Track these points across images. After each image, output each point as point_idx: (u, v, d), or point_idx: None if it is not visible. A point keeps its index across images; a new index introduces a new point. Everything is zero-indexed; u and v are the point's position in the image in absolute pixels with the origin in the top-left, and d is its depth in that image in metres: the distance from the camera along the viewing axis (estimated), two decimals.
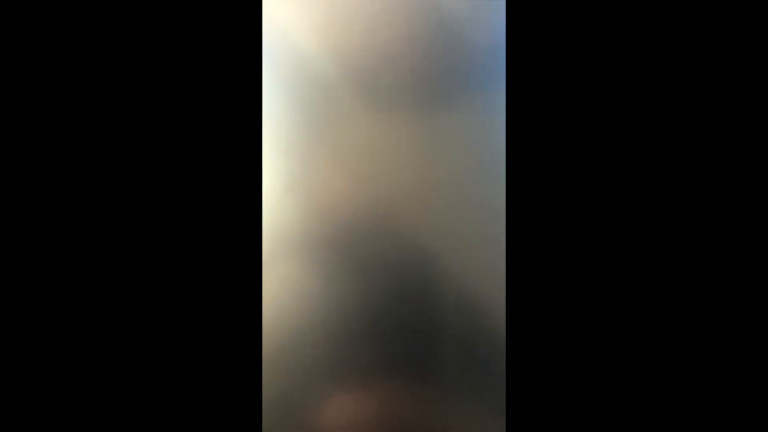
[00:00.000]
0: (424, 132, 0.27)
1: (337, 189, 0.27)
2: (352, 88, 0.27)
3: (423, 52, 0.27)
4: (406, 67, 0.27)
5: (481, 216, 0.26)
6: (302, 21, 0.28)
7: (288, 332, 0.26)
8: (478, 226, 0.26)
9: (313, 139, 0.27)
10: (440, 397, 0.25)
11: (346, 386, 0.25)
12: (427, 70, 0.27)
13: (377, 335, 0.26)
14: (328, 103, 0.27)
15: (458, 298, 0.26)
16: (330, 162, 0.27)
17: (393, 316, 0.26)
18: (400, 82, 0.27)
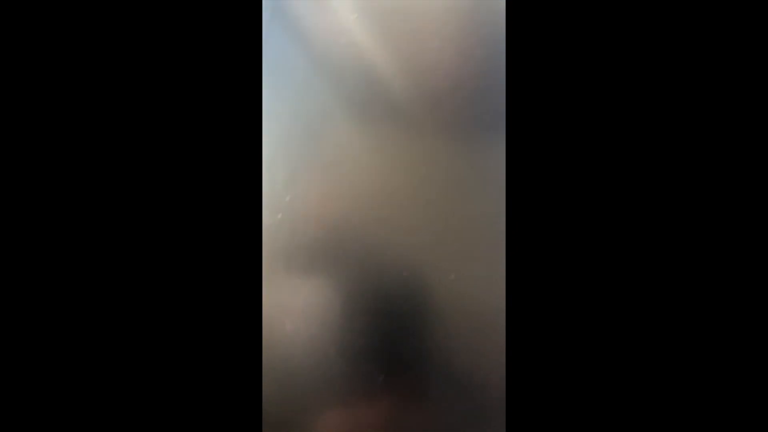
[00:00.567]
0: (425, 148, 0.27)
1: (336, 201, 0.27)
2: (350, 100, 0.27)
3: (425, 66, 0.27)
4: (405, 82, 0.27)
5: (479, 230, 0.26)
6: (301, 36, 0.28)
7: (284, 345, 0.26)
8: (476, 241, 0.26)
9: (311, 150, 0.27)
10: (436, 416, 0.25)
11: (344, 401, 0.25)
12: (428, 85, 0.27)
13: (372, 350, 0.25)
14: (324, 114, 0.27)
15: (457, 311, 0.26)
16: (326, 173, 0.27)
17: (388, 333, 0.25)
18: (399, 96, 0.27)
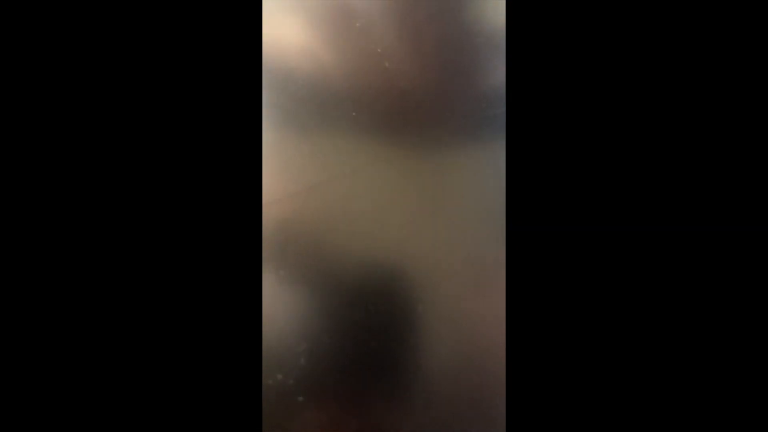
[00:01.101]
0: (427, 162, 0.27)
1: (336, 215, 0.27)
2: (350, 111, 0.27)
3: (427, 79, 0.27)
4: (408, 96, 0.27)
5: (480, 245, 0.26)
6: (301, 44, 0.28)
7: (279, 357, 0.26)
8: (477, 258, 0.26)
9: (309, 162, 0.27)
10: (436, 418, 0.25)
11: (341, 409, 0.25)
12: (431, 100, 0.27)
13: (372, 353, 0.25)
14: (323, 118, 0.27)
15: (457, 313, 0.26)
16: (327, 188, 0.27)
17: (387, 335, 0.25)
18: (402, 111, 0.27)
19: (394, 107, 0.27)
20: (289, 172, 0.27)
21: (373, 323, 0.25)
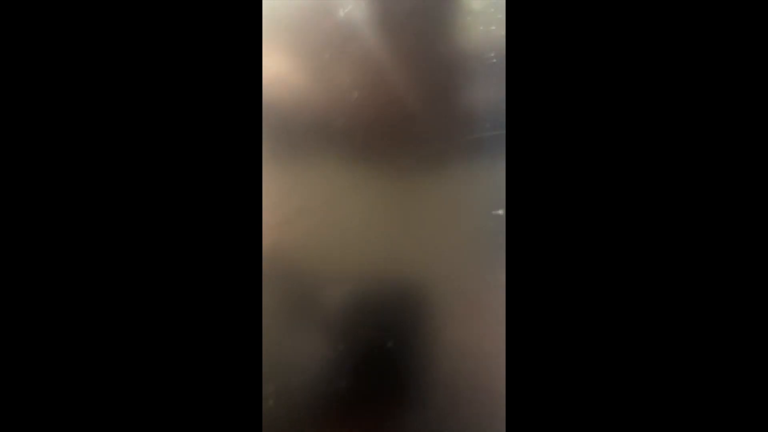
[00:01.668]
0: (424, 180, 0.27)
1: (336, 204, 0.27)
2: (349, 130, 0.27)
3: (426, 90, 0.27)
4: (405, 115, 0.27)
5: (479, 239, 0.26)
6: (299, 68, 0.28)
7: (279, 366, 0.26)
8: (476, 249, 0.26)
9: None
10: (437, 420, 0.25)
11: (345, 408, 0.25)
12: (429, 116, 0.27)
13: (372, 356, 0.25)
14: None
15: (456, 315, 0.26)
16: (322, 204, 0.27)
17: (387, 339, 0.25)
18: (398, 129, 0.27)
19: (383, 134, 0.27)
20: (278, 197, 0.27)
21: (374, 336, 0.25)
